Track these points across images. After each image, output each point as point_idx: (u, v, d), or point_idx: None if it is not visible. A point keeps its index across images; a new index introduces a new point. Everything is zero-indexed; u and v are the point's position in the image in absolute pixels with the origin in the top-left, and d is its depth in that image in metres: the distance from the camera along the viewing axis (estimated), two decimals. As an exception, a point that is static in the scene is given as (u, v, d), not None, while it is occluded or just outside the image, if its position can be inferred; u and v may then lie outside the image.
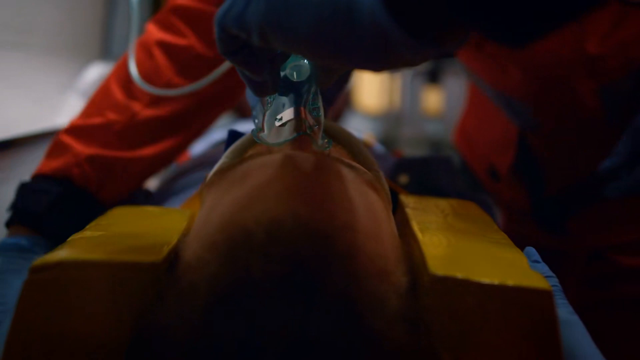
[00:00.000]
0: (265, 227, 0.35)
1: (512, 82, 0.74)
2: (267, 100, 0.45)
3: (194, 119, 0.73)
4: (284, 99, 0.44)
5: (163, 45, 0.70)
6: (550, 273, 0.40)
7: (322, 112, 0.44)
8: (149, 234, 0.41)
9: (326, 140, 0.44)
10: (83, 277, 0.35)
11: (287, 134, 0.42)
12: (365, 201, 0.40)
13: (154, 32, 0.71)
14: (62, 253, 0.37)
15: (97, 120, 0.67)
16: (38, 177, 0.64)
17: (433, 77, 2.85)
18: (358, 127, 1.53)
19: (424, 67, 2.75)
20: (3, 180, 0.81)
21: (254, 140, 0.45)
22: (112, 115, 0.67)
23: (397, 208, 0.50)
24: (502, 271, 0.36)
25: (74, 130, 0.67)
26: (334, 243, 0.35)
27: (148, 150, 0.69)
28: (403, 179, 0.69)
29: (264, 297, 0.33)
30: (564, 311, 0.38)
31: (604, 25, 0.66)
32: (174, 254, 0.38)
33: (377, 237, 0.38)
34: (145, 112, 0.68)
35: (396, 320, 0.35)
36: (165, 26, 0.71)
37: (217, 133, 1.04)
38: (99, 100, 0.70)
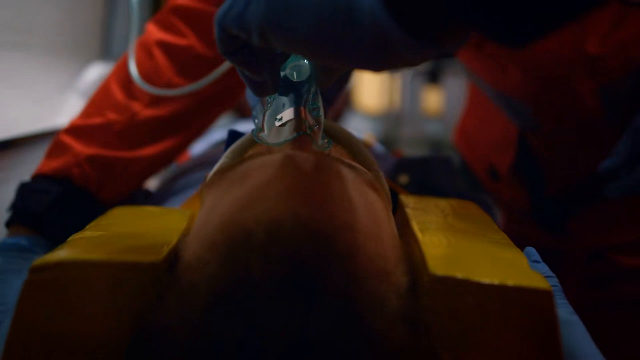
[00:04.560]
0: (265, 227, 0.35)
1: (512, 82, 0.74)
2: (267, 100, 0.45)
3: (194, 119, 0.73)
4: (284, 99, 0.44)
5: (163, 45, 0.70)
6: (550, 273, 0.40)
7: (322, 112, 0.44)
8: (149, 234, 0.41)
9: (326, 140, 0.44)
10: (83, 277, 0.35)
11: (287, 134, 0.42)
12: (365, 201, 0.40)
13: (154, 32, 0.71)
14: (62, 253, 0.37)
15: (97, 120, 0.67)
16: (38, 177, 0.64)
17: (433, 77, 2.85)
18: (358, 127, 1.53)
19: (424, 67, 2.75)
20: (3, 180, 0.81)
21: (254, 140, 0.45)
22: (112, 115, 0.67)
23: (397, 208, 0.50)
24: (502, 271, 0.36)
25: (74, 130, 0.67)
26: (334, 243, 0.35)
27: (148, 150, 0.69)
28: (403, 179, 0.69)
29: (264, 297, 0.33)
30: (564, 311, 0.38)
31: (604, 25, 0.66)
32: (174, 254, 0.38)
33: (377, 237, 0.38)
34: (145, 112, 0.68)
35: (396, 320, 0.35)
36: (165, 26, 0.71)
37: (217, 133, 1.04)
38: (99, 100, 0.70)
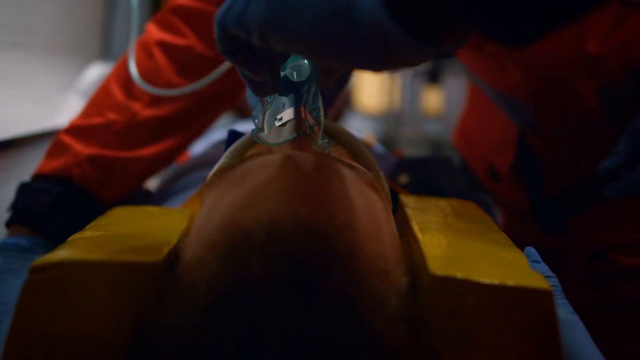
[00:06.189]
0: (265, 227, 0.35)
1: (512, 82, 0.74)
2: (267, 100, 0.45)
3: (194, 119, 0.73)
4: (284, 99, 0.44)
5: (163, 45, 0.70)
6: (550, 273, 0.40)
7: (322, 112, 0.44)
8: (149, 234, 0.41)
9: (326, 140, 0.44)
10: (83, 277, 0.35)
11: (287, 134, 0.42)
12: (365, 201, 0.40)
13: (154, 32, 0.71)
14: (62, 253, 0.37)
15: (97, 120, 0.67)
16: (38, 177, 0.64)
17: (433, 77, 2.85)
18: (358, 127, 1.53)
19: (424, 67, 2.75)
20: (3, 180, 0.81)
21: (254, 140, 0.45)
22: (112, 115, 0.67)
23: (397, 208, 0.50)
24: (502, 271, 0.36)
25: (74, 130, 0.67)
26: (334, 243, 0.35)
27: (148, 150, 0.69)
28: (403, 179, 0.69)
29: (264, 297, 0.33)
30: (564, 311, 0.38)
31: (604, 25, 0.66)
32: (174, 254, 0.38)
33: (377, 237, 0.38)
34: (145, 112, 0.68)
35: (396, 320, 0.35)
36: (165, 26, 0.71)
37: (217, 133, 1.04)
38: (99, 100, 0.70)
